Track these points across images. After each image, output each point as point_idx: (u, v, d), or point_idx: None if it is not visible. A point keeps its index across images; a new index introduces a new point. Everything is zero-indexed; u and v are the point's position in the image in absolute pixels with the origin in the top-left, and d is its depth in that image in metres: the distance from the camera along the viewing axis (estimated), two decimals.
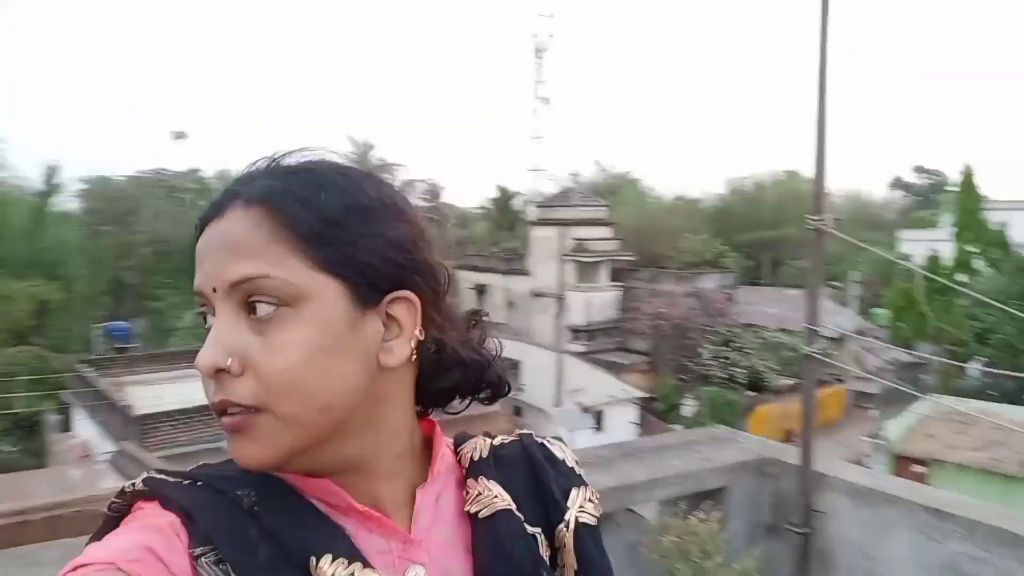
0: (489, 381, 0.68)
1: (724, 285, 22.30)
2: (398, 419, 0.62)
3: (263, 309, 0.55)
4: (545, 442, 0.71)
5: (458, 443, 0.70)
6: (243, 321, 0.56)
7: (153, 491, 0.57)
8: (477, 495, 0.63)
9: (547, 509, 0.65)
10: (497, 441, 0.70)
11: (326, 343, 0.56)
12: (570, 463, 0.70)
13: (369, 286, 0.58)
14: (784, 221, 31.77)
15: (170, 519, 0.55)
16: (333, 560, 0.54)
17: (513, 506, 0.63)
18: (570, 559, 0.64)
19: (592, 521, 0.67)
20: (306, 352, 0.55)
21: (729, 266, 26.15)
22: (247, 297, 0.55)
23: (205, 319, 0.58)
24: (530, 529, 0.63)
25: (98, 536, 0.56)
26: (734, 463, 3.39)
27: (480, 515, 0.62)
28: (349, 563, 0.54)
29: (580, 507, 0.67)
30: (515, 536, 0.61)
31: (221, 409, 0.55)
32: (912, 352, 16.34)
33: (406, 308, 0.60)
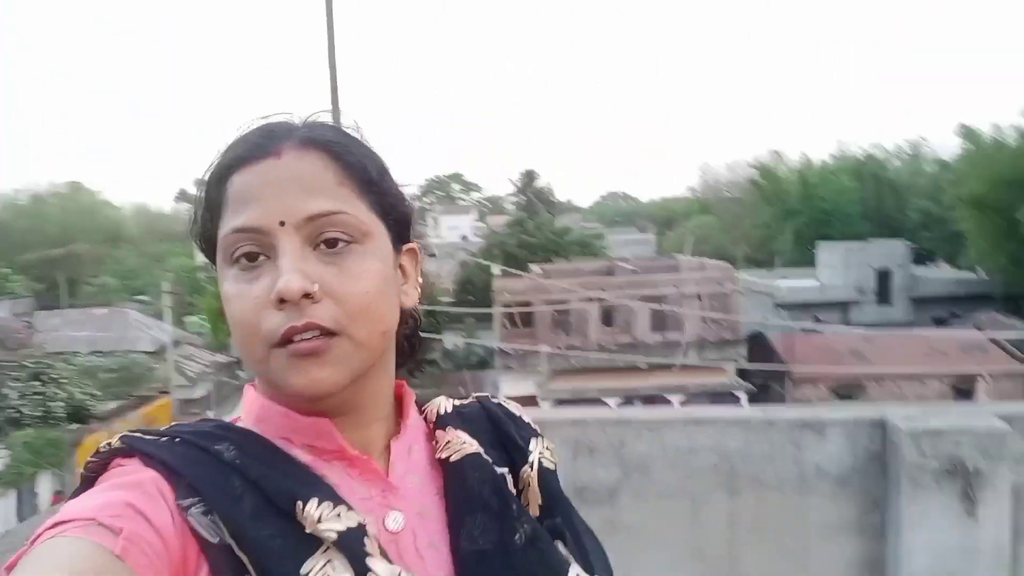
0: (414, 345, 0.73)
1: (18, 312, 19.48)
2: (393, 366, 0.66)
3: (338, 245, 0.58)
4: (501, 402, 0.76)
5: (420, 403, 0.72)
6: (311, 254, 0.58)
7: (132, 448, 0.57)
8: (447, 443, 0.66)
9: (511, 454, 0.69)
10: (458, 402, 0.73)
11: (387, 276, 0.61)
12: (526, 419, 0.74)
13: (398, 235, 0.65)
14: (72, 236, 29.48)
15: (151, 475, 0.54)
16: (319, 504, 0.55)
17: (481, 450, 0.66)
18: (535, 497, 0.67)
19: (551, 466, 0.70)
20: (377, 281, 0.60)
21: (17, 290, 22.89)
22: (319, 232, 0.58)
23: (249, 258, 0.58)
24: (498, 469, 0.66)
25: (75, 495, 0.55)
26: None
27: (451, 460, 0.65)
28: (334, 506, 0.55)
29: (540, 453, 0.70)
30: (484, 477, 0.64)
31: (300, 331, 0.56)
32: (229, 355, 17.63)
33: (413, 259, 0.67)
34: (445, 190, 56.74)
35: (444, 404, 0.71)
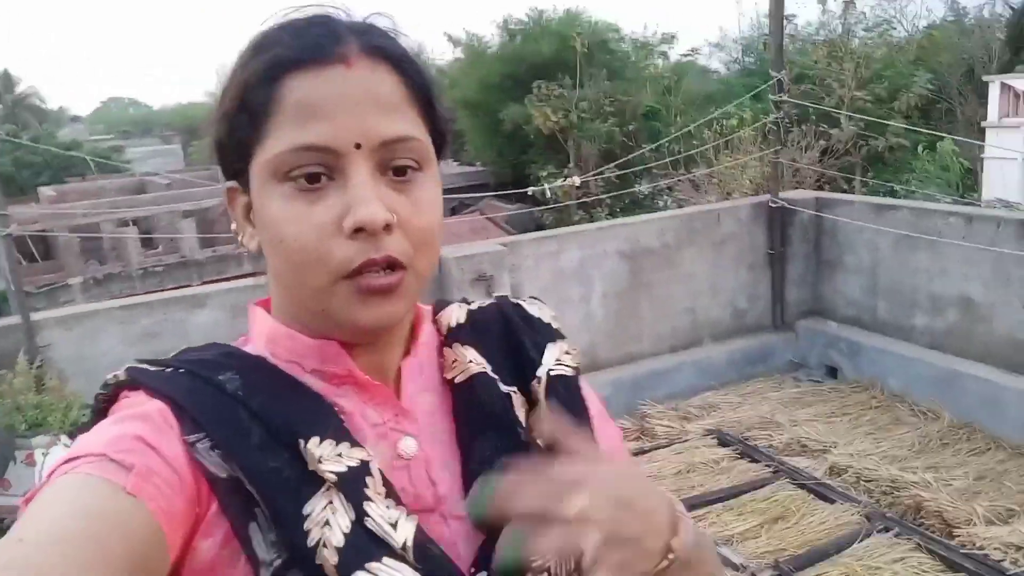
0: None
1: None
2: None
3: (406, 171, 0.56)
4: (520, 302, 0.71)
5: (436, 310, 0.69)
6: (380, 180, 0.55)
7: (135, 381, 0.55)
8: (453, 362, 0.64)
9: (523, 367, 0.65)
10: (474, 306, 0.70)
11: (440, 202, 0.59)
12: (546, 319, 0.70)
13: (441, 152, 0.61)
14: None
15: (158, 406, 0.53)
16: (321, 442, 0.53)
17: (488, 368, 0.64)
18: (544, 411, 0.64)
19: (568, 371, 0.66)
20: (439, 212, 0.58)
21: None
22: (391, 157, 0.55)
23: (309, 179, 0.54)
24: (505, 388, 0.63)
25: (87, 428, 0.54)
26: None
27: (456, 380, 0.62)
28: (337, 443, 0.53)
29: (556, 360, 0.66)
30: (490, 397, 0.62)
31: (379, 264, 0.54)
32: None
33: (440, 172, 0.62)
34: None
35: (457, 313, 0.68)
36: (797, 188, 11.35)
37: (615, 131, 17.05)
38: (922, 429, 4.23)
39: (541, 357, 0.66)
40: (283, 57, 0.53)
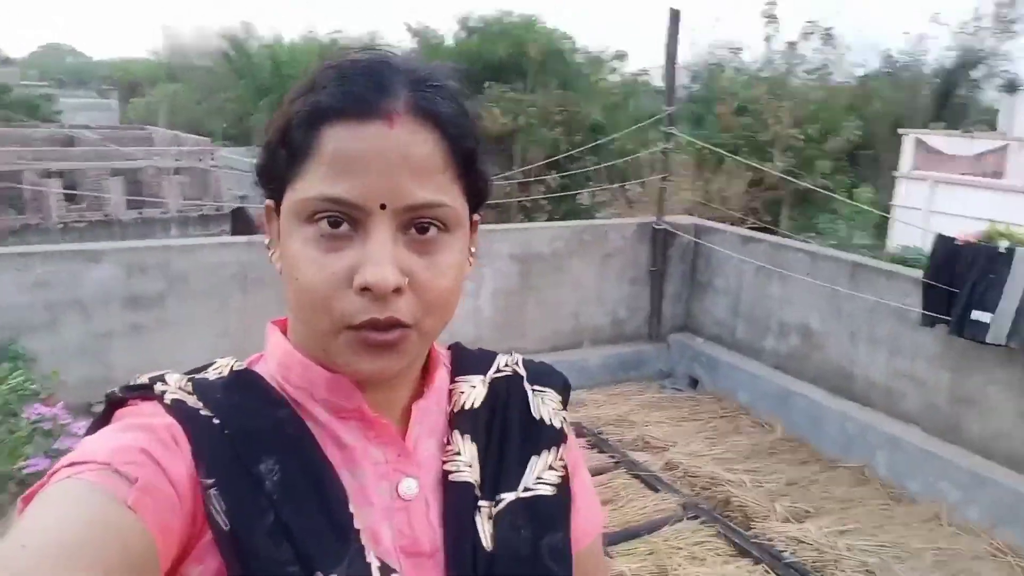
0: None
1: None
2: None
3: (430, 232, 0.56)
4: (530, 392, 0.70)
5: (456, 360, 0.70)
6: (400, 239, 0.55)
7: (175, 412, 0.55)
8: (456, 454, 0.63)
9: (495, 482, 0.64)
10: (491, 377, 0.69)
11: (464, 266, 0.60)
12: (548, 420, 0.69)
13: (475, 210, 0.62)
14: None
15: (167, 422, 0.54)
16: None
17: (475, 478, 0.63)
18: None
19: (546, 491, 0.65)
20: (458, 275, 0.58)
21: None
22: (415, 218, 0.55)
23: (332, 224, 0.54)
24: (479, 501, 0.62)
25: (94, 428, 0.55)
26: None
27: (450, 477, 0.62)
28: None
29: (537, 478, 0.65)
30: (465, 505, 0.61)
31: (382, 325, 0.54)
32: None
33: (474, 232, 0.63)
34: None
35: (478, 392, 0.68)
36: (723, 214, 12.07)
37: (561, 139, 17.61)
38: (756, 439, 4.81)
39: (522, 473, 0.65)
40: (326, 105, 0.54)
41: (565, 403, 0.72)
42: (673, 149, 5.67)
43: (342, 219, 0.54)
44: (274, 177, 0.58)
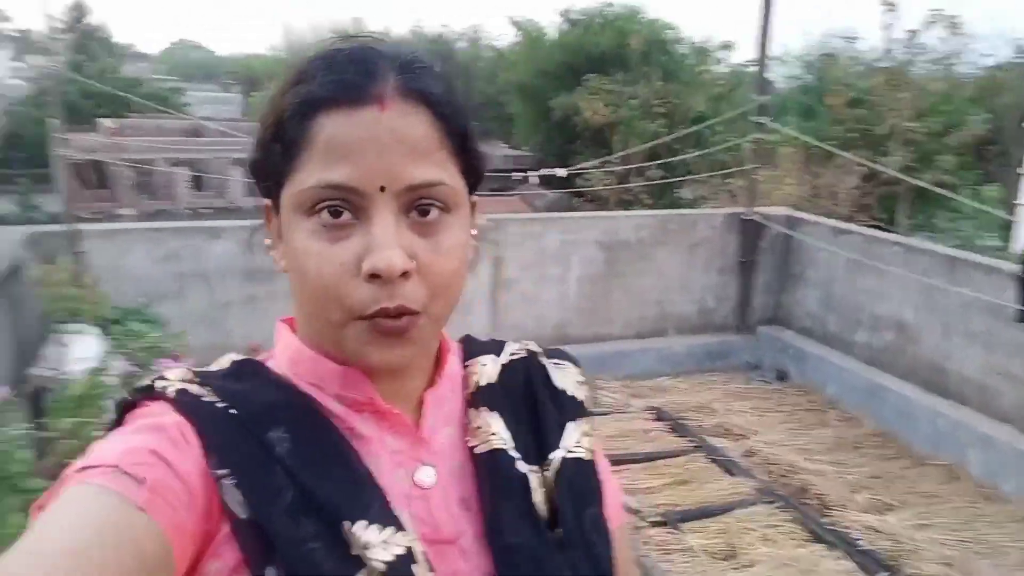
0: None
1: None
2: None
3: (432, 213, 0.56)
4: (549, 365, 0.71)
5: (467, 348, 0.70)
6: (403, 222, 0.55)
7: (180, 407, 0.56)
8: (477, 428, 0.63)
9: (542, 444, 0.65)
10: (505, 359, 0.69)
11: (467, 246, 0.60)
12: (570, 391, 0.69)
13: (472, 191, 0.62)
14: None
15: (177, 419, 0.55)
16: (368, 525, 0.53)
17: (509, 445, 0.63)
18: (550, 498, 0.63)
19: (584, 454, 0.66)
20: (463, 256, 0.59)
21: None
22: (416, 199, 0.55)
23: (333, 214, 0.54)
24: (523, 468, 0.62)
25: (107, 432, 0.56)
26: None
27: (477, 451, 0.62)
28: (383, 527, 0.54)
29: (576, 442, 0.66)
30: (509, 475, 0.61)
31: (392, 313, 0.55)
32: None
33: (474, 213, 0.63)
34: None
35: (490, 370, 0.68)
36: (835, 207, 11.67)
37: (663, 132, 17.52)
38: (842, 432, 4.79)
39: (560, 435, 0.66)
40: (317, 94, 0.55)
41: (584, 379, 0.72)
42: (765, 140, 5.65)
43: (343, 207, 0.55)
44: (269, 173, 0.59)
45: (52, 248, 4.43)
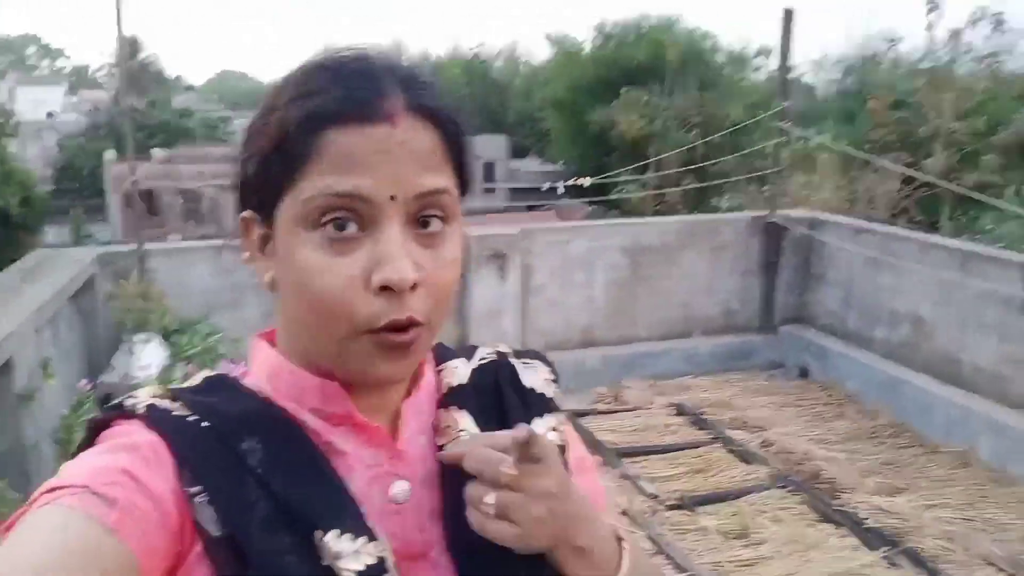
0: None
1: None
2: None
3: (433, 224, 0.57)
4: (516, 365, 0.72)
5: (439, 356, 0.71)
6: (409, 234, 0.56)
7: (151, 422, 0.56)
8: (446, 427, 0.65)
9: None
10: (475, 363, 0.71)
11: (461, 260, 0.61)
12: (539, 389, 0.71)
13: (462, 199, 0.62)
14: None
15: (149, 438, 0.55)
16: (340, 535, 0.54)
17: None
18: None
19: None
20: (460, 266, 0.60)
21: None
22: (421, 209, 0.57)
23: (338, 226, 0.55)
24: None
25: (77, 452, 0.56)
26: None
27: (445, 448, 0.63)
28: (355, 537, 0.55)
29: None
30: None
31: (403, 325, 0.55)
32: None
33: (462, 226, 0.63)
34: (17, 54, 48.08)
35: (461, 372, 0.69)
36: (872, 211, 11.75)
37: (699, 142, 17.74)
38: (859, 424, 5.05)
39: None
40: (325, 109, 0.55)
41: (556, 377, 0.74)
42: (795, 146, 5.95)
43: (348, 219, 0.55)
44: (266, 186, 0.58)
45: (122, 266, 4.99)
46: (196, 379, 0.64)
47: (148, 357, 4.65)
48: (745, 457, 4.57)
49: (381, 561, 0.55)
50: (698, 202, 15.95)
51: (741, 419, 5.06)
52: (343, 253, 0.55)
